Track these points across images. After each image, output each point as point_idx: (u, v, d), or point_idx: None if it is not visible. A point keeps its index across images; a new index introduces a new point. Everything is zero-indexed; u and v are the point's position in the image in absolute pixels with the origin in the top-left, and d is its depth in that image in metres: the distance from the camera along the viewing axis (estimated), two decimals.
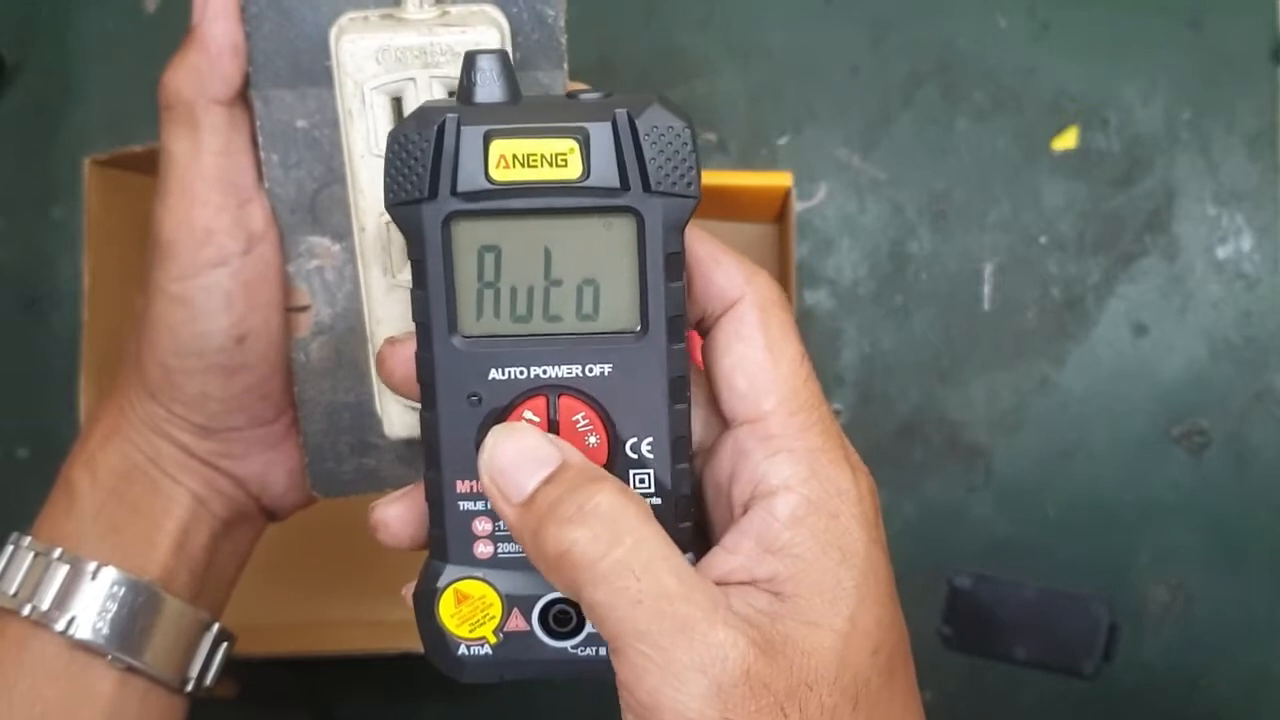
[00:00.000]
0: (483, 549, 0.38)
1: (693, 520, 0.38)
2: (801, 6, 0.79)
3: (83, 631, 0.46)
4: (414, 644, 0.39)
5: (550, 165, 0.35)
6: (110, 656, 0.47)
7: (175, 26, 0.46)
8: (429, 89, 0.43)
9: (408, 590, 0.39)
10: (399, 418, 0.46)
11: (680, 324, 0.37)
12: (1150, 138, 0.77)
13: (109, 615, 0.46)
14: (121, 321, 0.69)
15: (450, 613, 0.38)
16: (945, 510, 0.76)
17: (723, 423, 0.38)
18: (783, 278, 0.72)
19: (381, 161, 0.38)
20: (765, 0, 0.79)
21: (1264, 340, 0.75)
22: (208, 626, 0.49)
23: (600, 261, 0.36)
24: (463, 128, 0.35)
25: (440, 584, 0.38)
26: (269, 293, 0.47)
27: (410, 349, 0.38)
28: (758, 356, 0.37)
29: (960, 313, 0.77)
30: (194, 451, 0.48)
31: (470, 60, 0.36)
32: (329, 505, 0.51)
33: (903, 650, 0.37)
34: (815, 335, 0.77)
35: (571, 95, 0.37)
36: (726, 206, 0.74)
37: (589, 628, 0.38)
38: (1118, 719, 0.75)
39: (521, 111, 0.36)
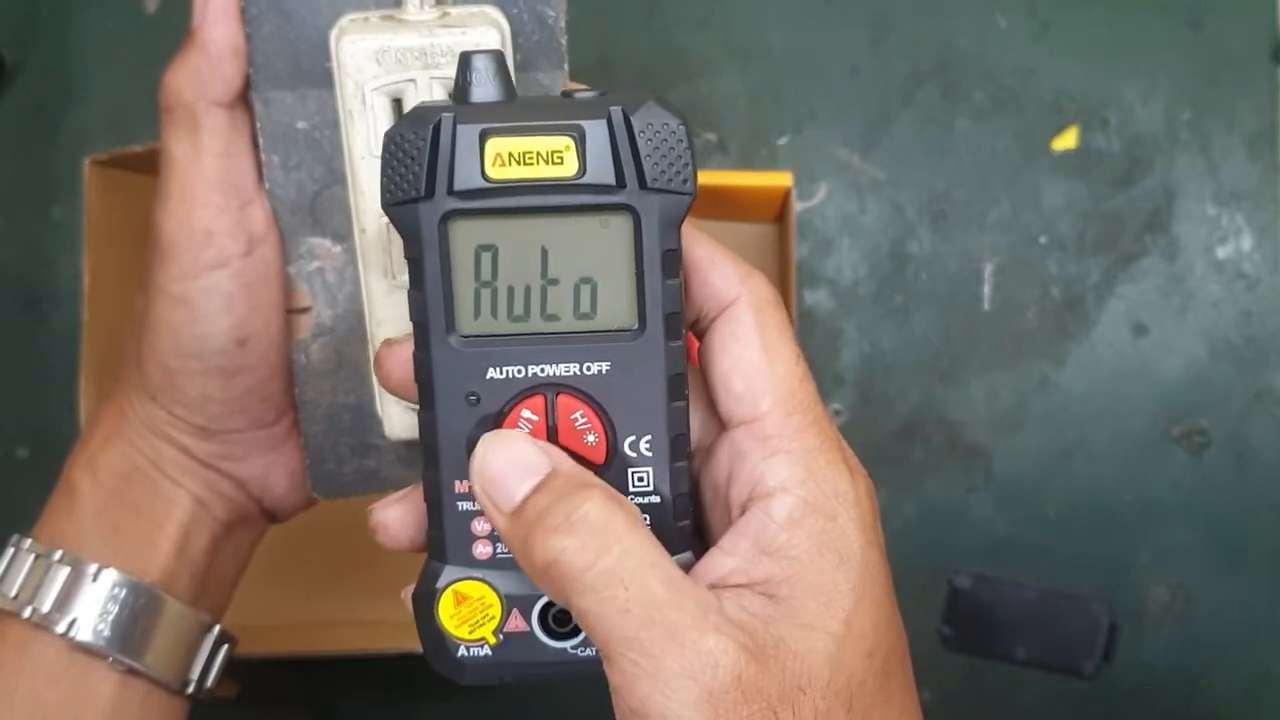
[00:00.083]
0: (482, 549, 0.38)
1: (691, 518, 0.38)
2: (801, 6, 0.79)
3: (84, 634, 0.46)
4: (414, 644, 0.39)
5: (546, 163, 0.35)
6: (111, 659, 0.46)
7: (175, 27, 0.46)
8: (429, 90, 0.43)
9: (407, 593, 0.39)
10: (400, 419, 0.46)
11: (677, 321, 0.37)
12: (1150, 138, 0.77)
13: (110, 617, 0.46)
14: (121, 321, 0.69)
15: (450, 614, 0.38)
16: (945, 510, 0.76)
17: (720, 424, 0.38)
18: (783, 278, 0.72)
19: None
20: (765, 0, 0.79)
21: (1264, 340, 0.75)
22: (209, 628, 0.49)
23: (597, 260, 0.36)
24: (459, 126, 0.35)
25: (439, 585, 0.38)
26: (270, 294, 0.47)
27: (407, 351, 0.38)
28: (753, 357, 0.37)
29: (960, 313, 0.77)
30: (195, 453, 0.48)
31: (465, 60, 0.36)
32: (329, 506, 0.51)
33: (900, 652, 0.37)
34: (815, 335, 0.77)
35: (567, 94, 0.37)
36: (726, 206, 0.74)
37: None
38: (1118, 719, 0.75)
39: (517, 110, 0.36)
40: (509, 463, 0.36)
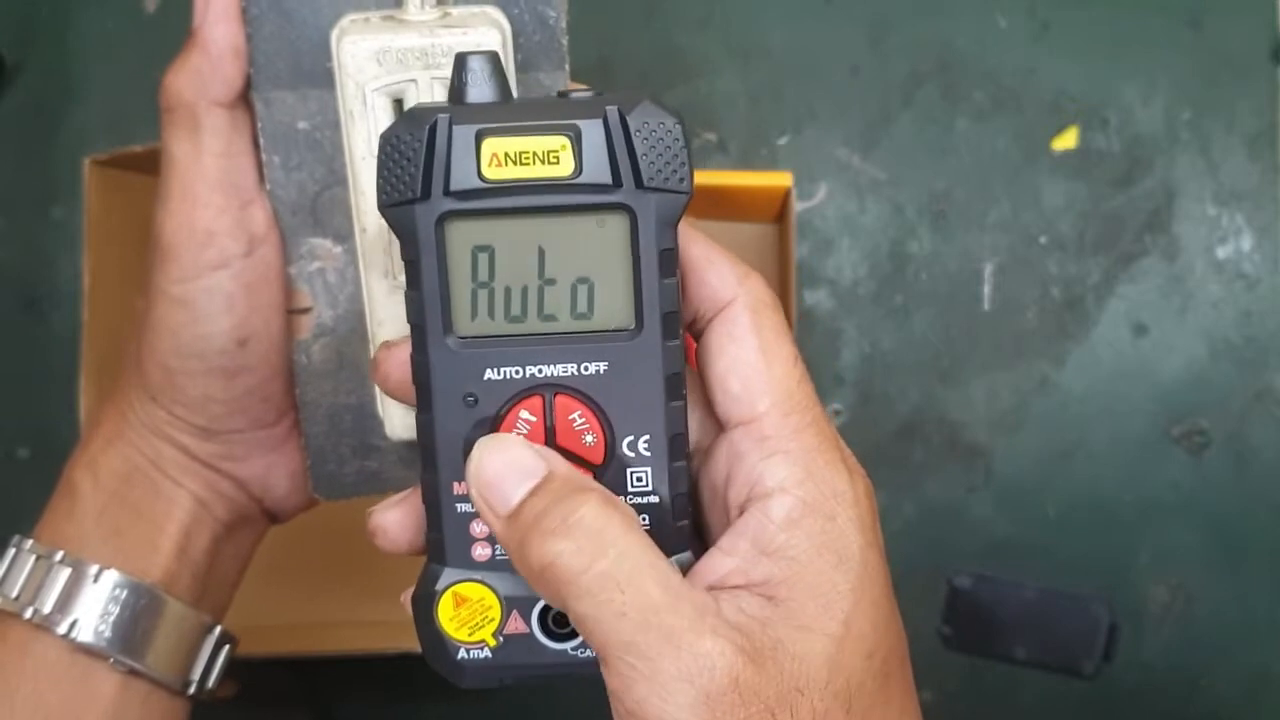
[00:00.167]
0: (481, 551, 0.38)
1: (690, 518, 0.38)
2: (801, 6, 0.79)
3: (85, 635, 0.46)
4: (414, 644, 0.39)
5: (543, 162, 0.35)
6: (112, 659, 0.47)
7: (175, 27, 0.46)
8: (430, 90, 0.43)
9: (406, 596, 0.39)
10: (401, 420, 0.46)
11: (675, 320, 0.37)
12: (1150, 138, 0.77)
13: (111, 618, 0.46)
14: (121, 322, 0.69)
15: (449, 616, 0.38)
16: (945, 510, 0.76)
17: (717, 425, 0.38)
18: (783, 278, 0.72)
19: None
20: (765, 0, 0.79)
21: (1264, 340, 0.75)
22: (210, 629, 0.49)
23: (594, 259, 0.36)
24: (454, 127, 0.35)
25: (438, 587, 0.38)
26: (270, 295, 0.47)
27: (405, 353, 0.38)
28: (751, 358, 0.37)
29: (960, 313, 0.77)
30: (195, 454, 0.48)
31: (461, 61, 0.36)
32: (329, 506, 0.51)
33: (900, 653, 0.37)
34: (815, 335, 0.77)
35: (563, 95, 0.37)
36: (726, 206, 0.74)
37: None
38: (1118, 719, 0.75)
39: (513, 110, 0.36)
40: (505, 466, 0.35)
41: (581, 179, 0.35)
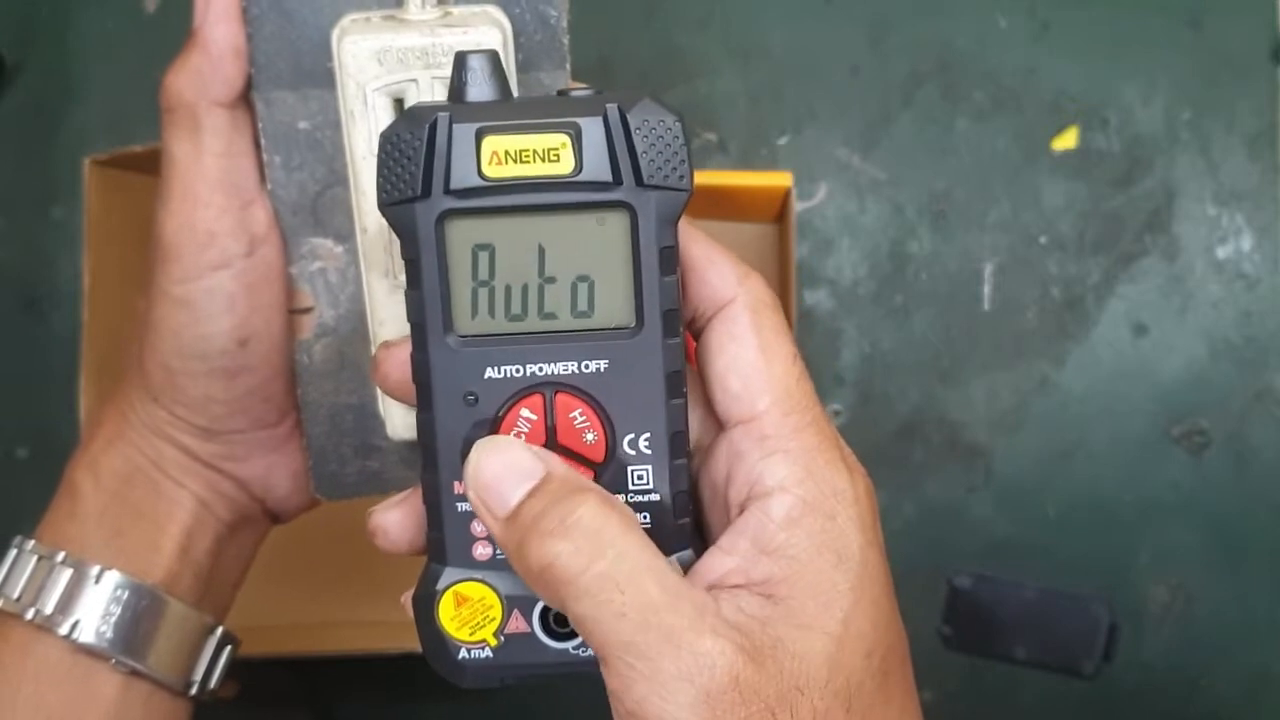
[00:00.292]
0: (481, 550, 0.38)
1: (691, 516, 0.38)
2: (801, 6, 0.79)
3: (86, 635, 0.46)
4: (415, 644, 0.39)
5: (543, 160, 0.35)
6: (114, 660, 0.47)
7: (175, 27, 0.46)
8: (431, 90, 0.43)
9: (406, 597, 0.39)
10: (402, 420, 0.46)
11: (675, 318, 0.37)
12: (1150, 138, 0.77)
13: (112, 619, 0.46)
14: (121, 322, 0.69)
15: (450, 615, 0.38)
16: (945, 510, 0.76)
17: (717, 424, 0.38)
18: (783, 278, 0.72)
19: None
20: (765, 0, 0.79)
21: (1264, 340, 0.75)
22: (212, 630, 0.49)
23: (594, 257, 0.36)
24: (455, 125, 0.35)
25: (439, 587, 0.38)
26: (271, 295, 0.47)
27: (405, 353, 0.38)
28: (751, 357, 0.37)
29: (960, 313, 0.77)
30: (197, 454, 0.48)
31: (461, 60, 0.36)
32: (331, 506, 0.51)
33: (900, 652, 0.37)
34: (815, 335, 0.77)
35: (563, 93, 0.37)
36: (726, 206, 0.74)
37: None
38: (1118, 719, 0.75)
39: (513, 109, 0.36)
40: (503, 468, 0.35)
41: (582, 177, 0.35)
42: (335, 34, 0.43)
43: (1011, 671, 0.75)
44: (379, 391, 0.47)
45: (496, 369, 0.37)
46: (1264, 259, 0.76)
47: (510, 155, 0.35)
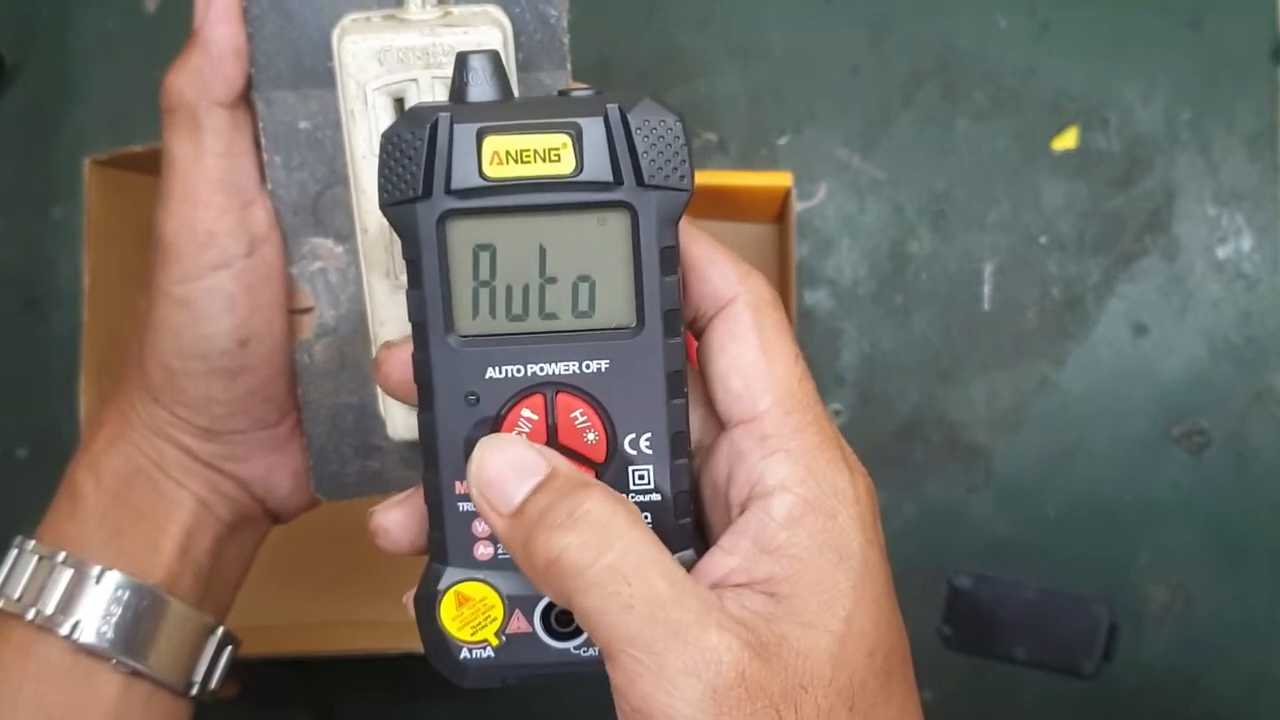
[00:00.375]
0: (483, 550, 0.38)
1: (692, 516, 0.38)
2: (801, 6, 0.79)
3: (87, 636, 0.46)
4: (415, 644, 0.39)
5: (544, 160, 0.35)
6: (115, 661, 0.47)
7: (175, 27, 0.46)
8: (431, 89, 0.43)
9: (408, 597, 0.39)
10: (403, 420, 0.46)
11: (676, 318, 0.37)
12: (1150, 138, 0.77)
13: (113, 619, 0.46)
14: (121, 322, 0.69)
15: (452, 615, 0.38)
16: (945, 510, 0.76)
17: (719, 423, 0.38)
18: (783, 278, 0.73)
19: None
20: (765, 0, 0.79)
21: (1264, 340, 0.75)
22: (212, 630, 0.49)
23: (595, 257, 0.36)
24: (456, 125, 0.35)
25: (441, 587, 0.38)
26: (272, 295, 0.47)
27: (406, 353, 0.38)
28: (752, 356, 0.37)
29: (960, 313, 0.77)
30: (197, 454, 0.48)
31: (462, 60, 0.36)
32: (331, 506, 0.51)
33: (901, 651, 0.37)
34: (815, 335, 0.77)
35: (564, 93, 0.37)
36: (726, 206, 0.74)
37: None
38: (1118, 719, 0.75)
39: (514, 109, 0.36)
40: (507, 465, 0.35)
41: (582, 177, 0.35)
42: (335, 34, 0.43)
43: (1011, 671, 0.75)
44: (379, 391, 0.47)
45: (498, 369, 0.37)
46: (1264, 259, 0.76)
47: (511, 155, 0.35)
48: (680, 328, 0.37)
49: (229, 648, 0.50)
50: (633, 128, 0.35)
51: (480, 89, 0.36)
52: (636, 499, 0.37)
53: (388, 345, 0.40)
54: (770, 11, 0.79)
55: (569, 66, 0.45)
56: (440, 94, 0.43)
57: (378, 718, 0.79)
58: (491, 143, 0.35)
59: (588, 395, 0.37)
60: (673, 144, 0.35)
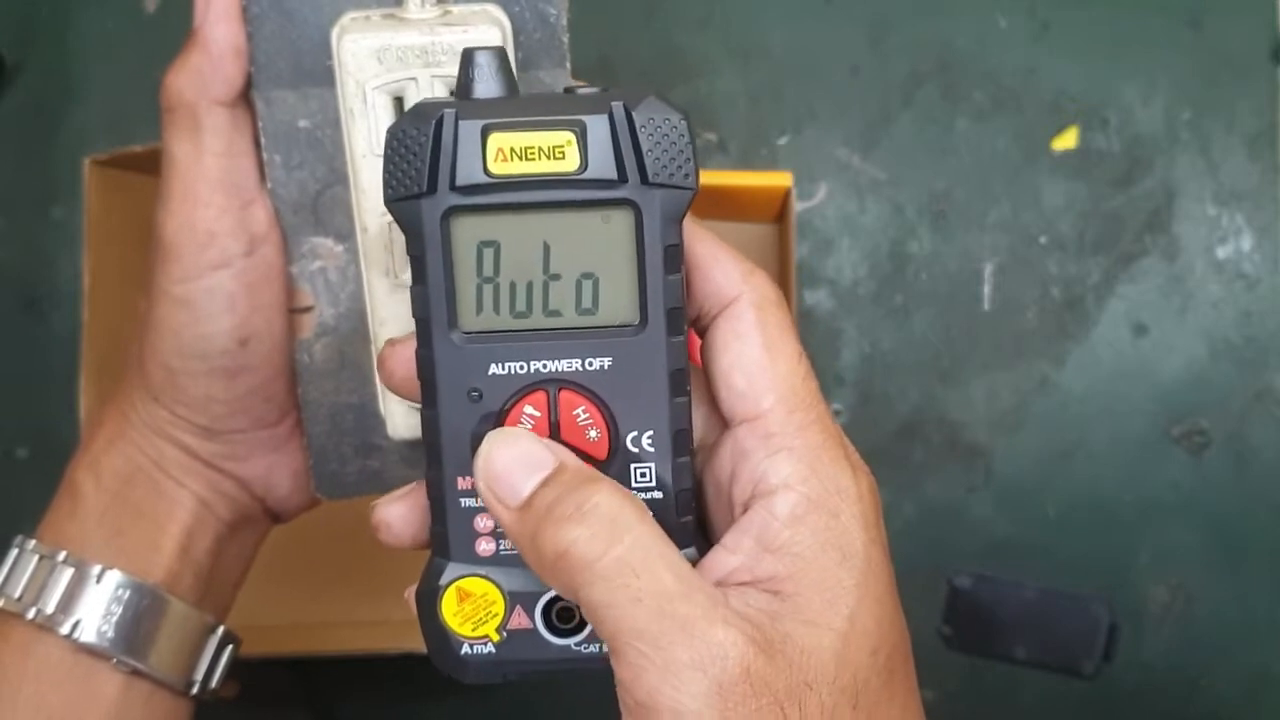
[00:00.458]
0: (485, 546, 0.38)
1: (694, 514, 0.38)
2: (801, 6, 0.79)
3: (87, 635, 0.46)
4: (416, 644, 0.39)
5: (548, 158, 0.35)
6: (115, 660, 0.46)
7: (175, 27, 0.46)
8: (430, 88, 0.43)
9: (410, 592, 0.39)
10: (403, 419, 0.46)
11: (679, 316, 0.37)
12: (1150, 138, 0.77)
13: (114, 619, 0.46)
14: (121, 321, 0.69)
15: (453, 611, 0.38)
16: (945, 510, 0.76)
17: (722, 422, 0.38)
18: (783, 278, 0.72)
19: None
20: (765, 0, 0.79)
21: (1264, 340, 0.75)
22: (213, 629, 0.49)
23: (599, 255, 0.36)
24: (460, 122, 0.35)
25: (442, 582, 0.38)
26: (272, 294, 0.47)
27: (410, 350, 0.38)
28: (756, 355, 0.37)
29: (960, 313, 0.77)
30: (197, 454, 0.48)
31: (468, 56, 0.36)
32: (331, 506, 0.51)
33: (903, 650, 0.37)
34: (815, 335, 0.77)
35: (569, 90, 0.37)
36: (726, 206, 0.74)
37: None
38: (1118, 719, 0.75)
39: (519, 105, 0.36)
40: (515, 458, 0.35)
41: (587, 174, 0.35)
42: (335, 32, 0.43)
43: (1011, 671, 0.75)
44: (379, 390, 0.47)
45: (501, 365, 0.37)
46: (1264, 259, 0.76)
47: (516, 152, 0.35)
48: (683, 326, 0.37)
49: (229, 647, 0.50)
50: (637, 125, 0.35)
51: (485, 85, 0.36)
52: (638, 497, 0.37)
53: (392, 342, 0.40)
54: (770, 11, 0.79)
55: (569, 65, 0.45)
56: (439, 93, 0.43)
57: (378, 718, 0.79)
58: (496, 139, 0.35)
59: (590, 392, 0.37)
60: (677, 142, 0.35)
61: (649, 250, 0.36)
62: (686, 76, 0.78)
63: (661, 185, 0.35)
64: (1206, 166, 0.76)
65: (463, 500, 0.38)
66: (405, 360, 0.38)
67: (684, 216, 0.36)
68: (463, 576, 0.38)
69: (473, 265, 0.36)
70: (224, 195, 0.45)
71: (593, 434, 0.37)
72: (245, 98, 0.46)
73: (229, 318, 0.46)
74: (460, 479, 0.37)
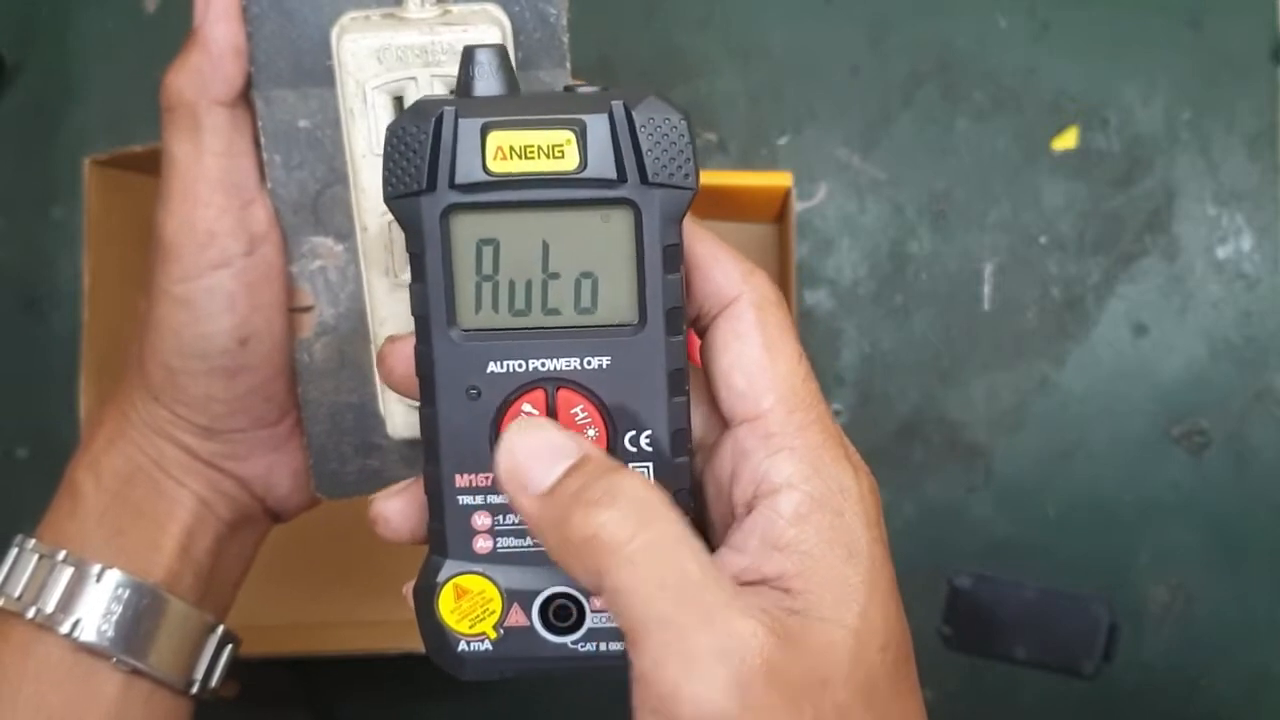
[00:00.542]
0: (482, 544, 0.38)
1: (692, 514, 0.38)
2: (801, 6, 0.79)
3: (87, 634, 0.46)
4: (415, 644, 0.39)
5: (547, 157, 0.35)
6: (115, 659, 0.46)
7: (175, 26, 0.46)
8: (430, 88, 0.43)
9: (408, 587, 0.39)
10: (402, 418, 0.46)
11: (678, 316, 0.37)
12: (1150, 138, 0.77)
13: (114, 618, 0.46)
14: (121, 321, 0.69)
15: (450, 608, 0.38)
16: (945, 510, 0.76)
17: (722, 422, 0.38)
18: (783, 278, 0.73)
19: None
20: (765, 0, 0.79)
21: (1264, 340, 0.75)
22: (213, 629, 0.49)
23: (598, 254, 0.36)
24: (460, 120, 0.35)
25: (440, 579, 0.38)
26: (272, 294, 0.47)
27: (410, 347, 0.38)
28: (756, 355, 0.37)
29: (960, 313, 0.77)
30: (197, 453, 0.48)
31: (469, 54, 0.36)
32: (330, 505, 0.51)
33: (906, 649, 0.37)
34: (815, 335, 0.77)
35: (569, 89, 0.37)
36: (726, 206, 0.74)
37: (589, 623, 0.38)
38: (1118, 719, 0.75)
39: (519, 104, 0.36)
40: (539, 446, 0.35)
41: (586, 174, 0.35)
42: (335, 32, 0.43)
43: (1011, 671, 0.75)
44: (379, 390, 0.47)
45: (499, 363, 0.37)
46: (1264, 259, 0.76)
47: (515, 151, 0.35)
48: (682, 326, 0.37)
49: (229, 646, 0.50)
50: (637, 125, 0.35)
51: (486, 83, 0.36)
52: None
53: (392, 339, 0.40)
54: (770, 11, 0.79)
55: (568, 65, 0.45)
56: (439, 92, 0.43)
57: (378, 718, 0.79)
58: (496, 138, 0.35)
59: (588, 391, 0.37)
60: (677, 142, 0.35)
61: (648, 250, 0.36)
62: (686, 76, 0.78)
63: (661, 185, 0.35)
64: (1206, 166, 0.76)
65: (460, 498, 0.38)
66: (405, 357, 0.38)
67: (684, 216, 0.36)
68: (460, 574, 0.38)
69: (472, 263, 0.36)
70: (224, 195, 0.45)
71: (591, 433, 0.37)
72: (245, 97, 0.46)
73: (229, 317, 0.46)
74: (458, 476, 0.37)
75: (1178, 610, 0.75)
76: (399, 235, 0.43)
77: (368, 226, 0.44)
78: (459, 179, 0.35)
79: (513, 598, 0.38)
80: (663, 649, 0.33)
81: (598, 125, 0.35)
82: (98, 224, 0.69)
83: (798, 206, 0.77)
